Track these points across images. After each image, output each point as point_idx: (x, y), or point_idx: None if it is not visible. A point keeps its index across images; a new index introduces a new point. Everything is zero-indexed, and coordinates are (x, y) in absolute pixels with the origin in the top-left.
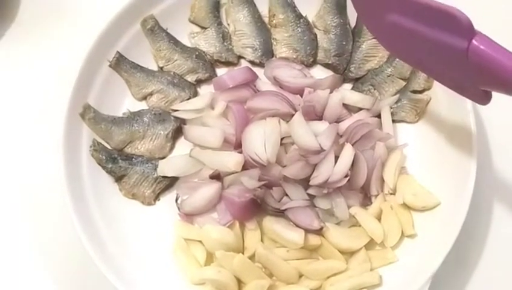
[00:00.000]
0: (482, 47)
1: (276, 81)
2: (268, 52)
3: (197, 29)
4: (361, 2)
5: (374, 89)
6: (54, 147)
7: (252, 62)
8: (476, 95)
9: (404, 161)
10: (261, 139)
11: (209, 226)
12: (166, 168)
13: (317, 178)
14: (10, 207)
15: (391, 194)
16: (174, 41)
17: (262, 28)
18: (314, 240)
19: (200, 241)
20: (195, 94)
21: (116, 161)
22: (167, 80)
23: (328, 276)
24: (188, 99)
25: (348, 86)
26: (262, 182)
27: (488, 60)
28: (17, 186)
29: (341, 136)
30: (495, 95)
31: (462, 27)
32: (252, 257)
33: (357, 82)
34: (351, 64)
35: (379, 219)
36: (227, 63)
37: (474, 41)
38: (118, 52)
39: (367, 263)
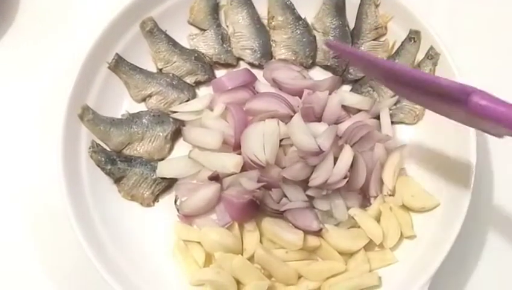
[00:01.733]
0: (480, 103)
1: (275, 82)
2: (267, 54)
3: (196, 31)
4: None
5: (373, 91)
6: (53, 149)
7: (251, 64)
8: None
9: (403, 162)
10: (260, 141)
11: (208, 227)
12: (165, 169)
13: (316, 179)
14: (9, 209)
15: (390, 195)
16: (173, 43)
17: (262, 30)
18: (313, 241)
19: (199, 243)
20: (194, 96)
21: (115, 163)
22: (166, 81)
23: (327, 277)
24: (187, 101)
25: (347, 87)
26: (261, 184)
27: (487, 113)
28: (16, 187)
29: (340, 137)
30: (493, 94)
31: (458, 93)
32: (251, 258)
33: (356, 84)
34: (350, 65)
35: (378, 220)
36: (226, 65)
37: (471, 99)
38: (117, 54)
39: (366, 264)
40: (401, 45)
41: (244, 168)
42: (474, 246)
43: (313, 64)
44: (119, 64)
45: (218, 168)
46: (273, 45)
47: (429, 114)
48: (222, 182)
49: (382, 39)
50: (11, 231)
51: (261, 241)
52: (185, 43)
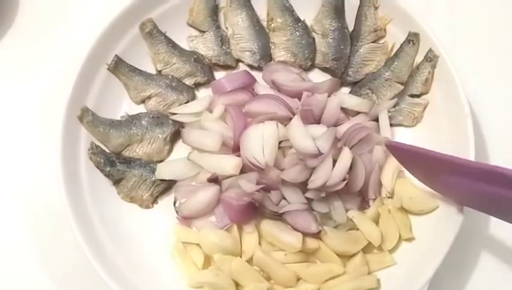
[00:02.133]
0: None
1: (274, 84)
2: (266, 56)
3: (195, 32)
4: (416, 170)
5: (372, 93)
6: (52, 149)
7: (250, 66)
8: None
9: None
10: (259, 143)
11: (207, 229)
12: (164, 171)
13: (315, 181)
14: (8, 210)
15: (389, 197)
16: (173, 45)
17: (261, 32)
18: (312, 243)
19: (198, 245)
20: (194, 97)
21: (114, 164)
22: (165, 83)
23: (325, 279)
24: (186, 102)
25: (346, 89)
26: (260, 186)
27: None
28: (16, 187)
29: (339, 139)
30: (492, 97)
31: None
32: (249, 261)
33: (355, 86)
34: (349, 68)
35: (377, 222)
36: (226, 67)
37: None
38: (116, 55)
39: (365, 267)
40: (400, 47)
41: (243, 170)
42: (473, 248)
43: (312, 67)
44: (119, 66)
45: (217, 170)
46: (273, 46)
47: (428, 116)
48: (221, 184)
49: (381, 41)
50: (10, 230)
51: (260, 244)
52: (184, 44)
